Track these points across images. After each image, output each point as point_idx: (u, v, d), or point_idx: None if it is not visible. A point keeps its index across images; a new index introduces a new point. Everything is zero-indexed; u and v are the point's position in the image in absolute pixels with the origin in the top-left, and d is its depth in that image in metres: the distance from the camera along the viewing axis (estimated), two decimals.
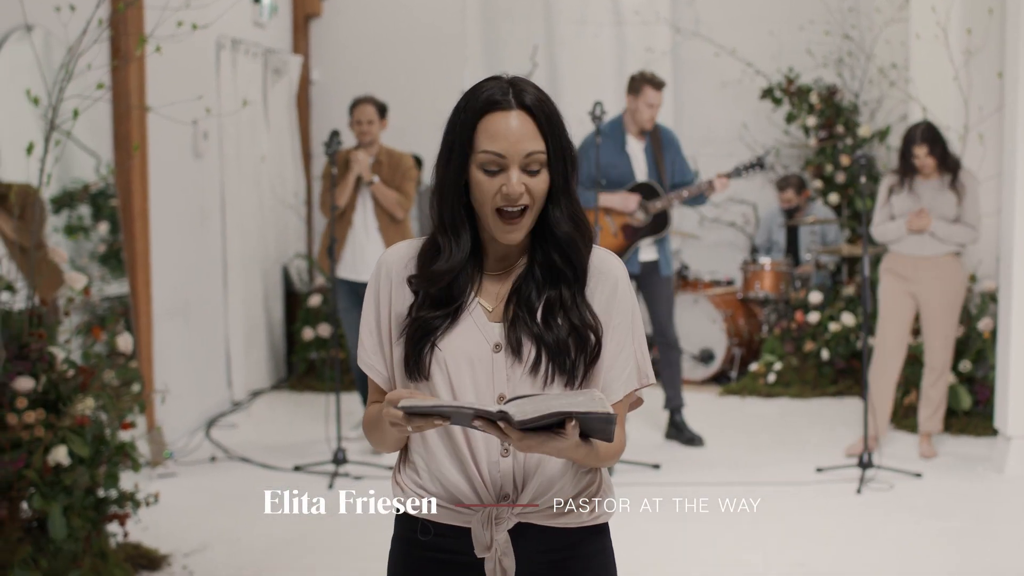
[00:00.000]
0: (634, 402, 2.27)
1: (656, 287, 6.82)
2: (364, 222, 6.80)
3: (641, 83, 6.64)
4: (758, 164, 6.61)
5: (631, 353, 2.21)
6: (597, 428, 1.99)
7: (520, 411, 1.91)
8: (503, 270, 2.21)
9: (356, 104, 6.84)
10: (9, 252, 4.93)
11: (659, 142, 6.71)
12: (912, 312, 6.61)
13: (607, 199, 6.64)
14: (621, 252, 6.71)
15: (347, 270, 6.84)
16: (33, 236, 4.64)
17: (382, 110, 6.87)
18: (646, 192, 6.67)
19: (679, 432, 6.92)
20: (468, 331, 2.16)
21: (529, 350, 2.13)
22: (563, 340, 2.13)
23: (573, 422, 1.94)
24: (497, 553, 2.16)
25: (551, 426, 1.96)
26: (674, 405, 6.94)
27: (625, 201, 6.65)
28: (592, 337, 2.15)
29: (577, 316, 2.15)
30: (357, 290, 6.80)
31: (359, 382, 7.10)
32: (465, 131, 2.09)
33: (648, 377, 2.23)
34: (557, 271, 2.17)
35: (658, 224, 6.66)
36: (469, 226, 2.17)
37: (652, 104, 6.63)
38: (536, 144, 2.08)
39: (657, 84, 6.63)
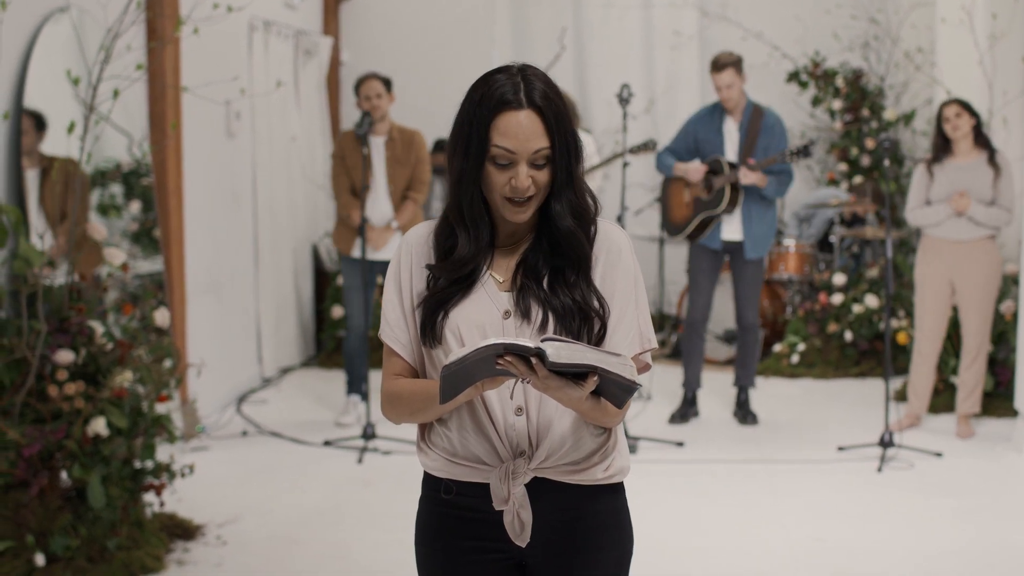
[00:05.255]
0: (642, 367, 2.37)
1: (739, 268, 6.93)
2: (373, 202, 6.84)
3: (710, 70, 6.80)
4: (784, 158, 6.63)
5: (633, 318, 2.33)
6: (615, 393, 2.11)
7: (556, 353, 2.03)
8: (513, 244, 2.35)
9: (362, 81, 6.79)
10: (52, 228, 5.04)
11: (757, 126, 6.79)
12: (950, 295, 6.62)
13: (681, 167, 6.84)
14: (686, 222, 6.91)
15: (357, 249, 6.87)
16: (73, 212, 4.75)
17: (387, 84, 6.81)
18: (715, 167, 6.78)
19: (738, 408, 7.09)
20: (479, 300, 2.29)
21: (537, 313, 2.26)
22: (568, 306, 2.26)
23: (595, 376, 2.07)
24: (515, 506, 2.28)
25: (574, 375, 2.07)
26: (740, 384, 7.09)
27: (689, 172, 6.81)
28: (597, 321, 2.28)
29: (581, 297, 2.27)
30: (372, 268, 6.84)
31: (348, 358, 7.03)
32: (481, 128, 2.23)
33: (650, 341, 2.35)
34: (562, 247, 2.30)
35: (715, 200, 6.76)
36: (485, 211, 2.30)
37: (719, 87, 6.75)
38: (543, 142, 2.22)
39: (715, 67, 6.75)
